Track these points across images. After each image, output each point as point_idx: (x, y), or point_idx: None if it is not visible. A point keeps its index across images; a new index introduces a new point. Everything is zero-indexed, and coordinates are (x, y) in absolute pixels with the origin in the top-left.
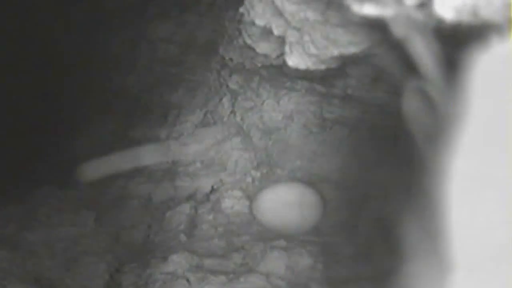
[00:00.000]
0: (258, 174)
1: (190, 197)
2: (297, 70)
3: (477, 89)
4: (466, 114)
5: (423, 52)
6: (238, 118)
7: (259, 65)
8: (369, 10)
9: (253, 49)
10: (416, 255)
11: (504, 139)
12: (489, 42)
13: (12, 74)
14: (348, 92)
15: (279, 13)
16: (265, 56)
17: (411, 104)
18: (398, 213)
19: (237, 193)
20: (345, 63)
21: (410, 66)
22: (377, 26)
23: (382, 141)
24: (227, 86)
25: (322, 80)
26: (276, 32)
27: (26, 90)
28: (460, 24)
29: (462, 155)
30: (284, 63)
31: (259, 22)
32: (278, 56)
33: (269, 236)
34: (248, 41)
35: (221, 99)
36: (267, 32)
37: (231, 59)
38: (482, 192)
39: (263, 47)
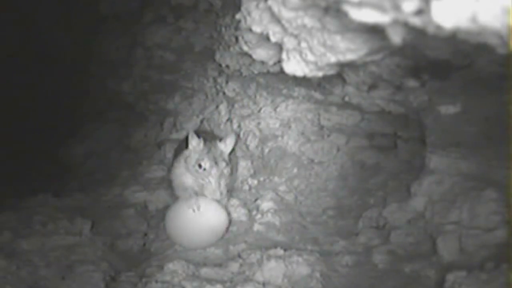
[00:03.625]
0: (255, 182)
1: None
2: (294, 77)
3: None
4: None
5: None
6: (235, 126)
7: (256, 72)
8: (367, 16)
9: (250, 56)
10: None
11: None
12: (488, 47)
13: (7, 81)
14: (346, 99)
15: (276, 19)
16: (262, 63)
17: None
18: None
19: (234, 201)
20: (342, 70)
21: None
22: (374, 33)
23: (380, 148)
24: (224, 93)
25: (319, 87)
26: (273, 39)
27: (21, 98)
28: (459, 30)
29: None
30: (281, 70)
31: (256, 28)
32: (275, 63)
33: (266, 245)
34: (245, 48)
35: (217, 106)
36: (264, 39)
37: (227, 66)
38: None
39: (260, 54)
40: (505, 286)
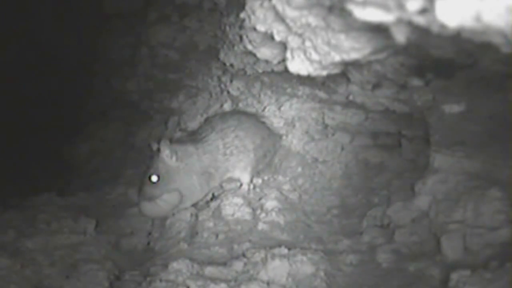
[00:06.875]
0: (259, 181)
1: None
2: (298, 76)
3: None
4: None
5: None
6: None
7: (260, 71)
8: (371, 15)
9: (254, 55)
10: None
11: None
12: (492, 46)
13: (11, 80)
14: (350, 98)
15: (281, 18)
16: (266, 62)
17: None
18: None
19: (238, 200)
20: (347, 69)
21: (411, 72)
22: (379, 32)
23: (384, 147)
24: (228, 92)
25: (323, 86)
26: (277, 37)
27: (25, 96)
28: (463, 29)
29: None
30: (286, 69)
31: (260, 27)
32: (279, 62)
33: (270, 244)
34: (249, 47)
35: (222, 105)
36: (268, 37)
37: (232, 65)
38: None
39: (264, 53)
40: (509, 285)
